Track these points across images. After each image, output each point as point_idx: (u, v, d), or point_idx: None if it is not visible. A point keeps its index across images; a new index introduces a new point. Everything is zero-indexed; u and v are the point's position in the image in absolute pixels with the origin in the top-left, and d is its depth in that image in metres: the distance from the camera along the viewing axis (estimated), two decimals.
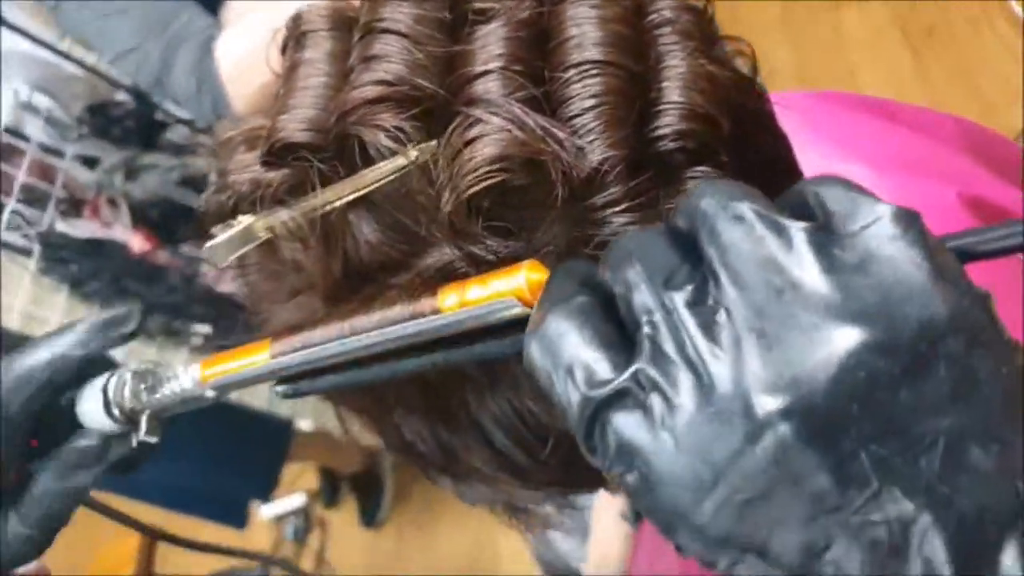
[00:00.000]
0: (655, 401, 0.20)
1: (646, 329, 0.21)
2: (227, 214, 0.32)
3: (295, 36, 0.32)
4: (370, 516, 1.91)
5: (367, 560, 1.93)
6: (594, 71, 0.28)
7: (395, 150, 0.28)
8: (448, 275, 0.29)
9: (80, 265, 1.19)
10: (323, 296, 0.32)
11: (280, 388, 0.32)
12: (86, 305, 1.21)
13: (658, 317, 0.21)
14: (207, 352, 0.38)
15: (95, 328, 0.36)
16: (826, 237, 0.20)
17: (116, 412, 0.36)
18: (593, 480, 0.35)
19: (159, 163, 1.23)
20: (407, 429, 0.34)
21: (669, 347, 0.20)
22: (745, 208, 0.21)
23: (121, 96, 1.33)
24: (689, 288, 0.21)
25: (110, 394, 0.36)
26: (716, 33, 0.31)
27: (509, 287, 0.26)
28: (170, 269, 1.23)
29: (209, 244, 0.31)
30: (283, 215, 0.30)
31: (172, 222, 1.27)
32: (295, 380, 0.32)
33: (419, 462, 0.36)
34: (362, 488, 1.93)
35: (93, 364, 0.37)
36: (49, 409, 0.36)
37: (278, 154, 0.29)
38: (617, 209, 0.27)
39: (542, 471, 0.33)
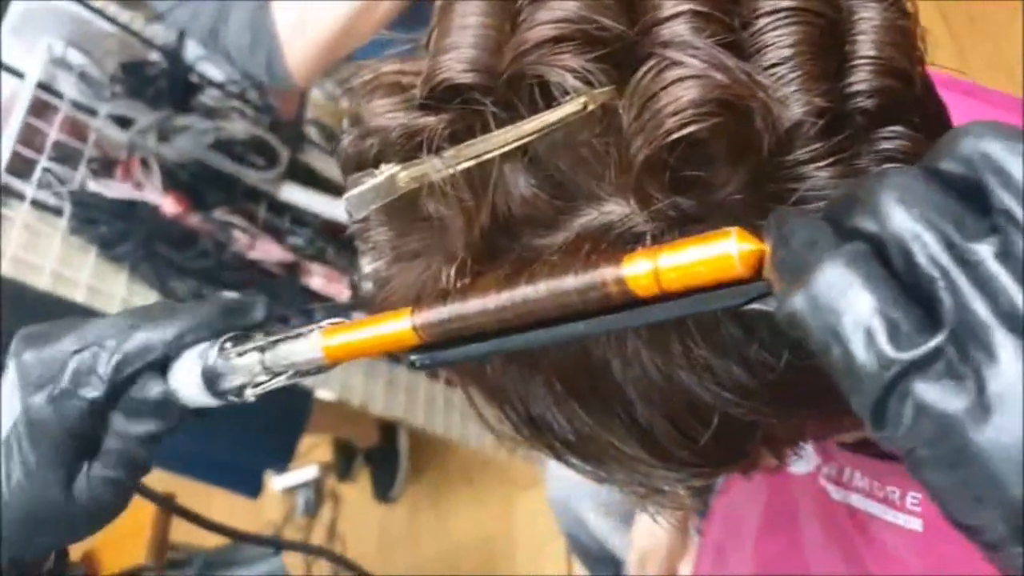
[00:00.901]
0: (972, 370, 0.18)
1: (943, 283, 0.19)
2: (368, 162, 0.30)
3: None
4: (384, 491, 1.90)
5: (379, 535, 1.92)
6: (792, 18, 0.26)
7: (573, 95, 0.26)
8: (606, 236, 0.28)
9: (111, 226, 1.16)
10: (459, 254, 0.30)
11: (416, 356, 0.30)
12: (115, 267, 1.19)
13: (956, 272, 0.19)
14: None
15: (222, 312, 0.36)
16: None
17: (220, 385, 0.35)
18: (737, 460, 0.33)
19: (193, 125, 1.21)
20: (537, 403, 0.33)
21: (979, 306, 0.18)
22: None
23: (154, 56, 1.30)
24: (993, 239, 0.19)
25: (210, 362, 0.35)
26: None
27: (713, 255, 0.24)
28: (202, 233, 1.21)
29: (348, 194, 0.29)
30: (435, 164, 0.28)
31: (204, 186, 1.24)
32: (430, 348, 0.30)
33: (545, 439, 0.34)
34: (377, 462, 1.92)
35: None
36: None
37: (441, 97, 0.27)
38: (820, 164, 0.26)
39: (687, 449, 0.31)
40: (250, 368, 0.34)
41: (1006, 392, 0.18)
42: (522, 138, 0.27)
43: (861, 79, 0.26)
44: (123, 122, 1.21)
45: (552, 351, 0.30)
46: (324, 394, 1.60)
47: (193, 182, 1.24)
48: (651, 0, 0.26)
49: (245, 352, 0.34)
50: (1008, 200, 0.19)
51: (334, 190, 1.41)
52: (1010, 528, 0.18)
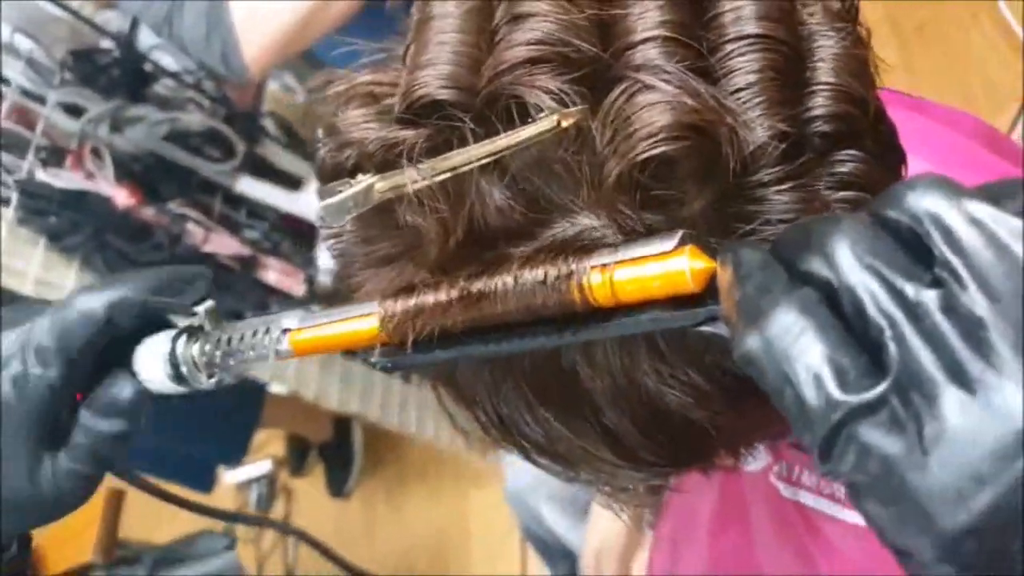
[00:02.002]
0: (912, 415, 0.19)
1: (890, 333, 0.20)
2: (344, 172, 0.30)
3: None
4: (338, 486, 1.89)
5: (333, 530, 1.91)
6: (757, 46, 0.27)
7: (547, 113, 0.27)
8: (576, 246, 0.28)
9: (60, 217, 1.14)
10: (433, 263, 0.31)
11: (377, 360, 0.31)
12: (64, 259, 1.16)
13: (904, 323, 0.20)
14: None
15: (160, 279, 0.36)
16: None
17: (184, 370, 0.35)
18: (697, 460, 0.34)
19: (147, 116, 1.18)
20: (508, 405, 0.33)
21: (924, 357, 0.19)
22: (980, 209, 0.20)
23: (106, 43, 1.28)
24: (937, 292, 0.20)
25: (179, 351, 0.35)
26: (857, 15, 0.30)
27: (667, 271, 0.25)
28: (156, 226, 1.19)
29: (325, 203, 0.29)
30: (411, 176, 0.28)
31: (158, 177, 1.22)
32: (393, 351, 0.31)
33: (514, 440, 0.35)
34: (331, 457, 1.91)
35: (149, 323, 0.37)
36: (105, 364, 0.37)
37: (419, 111, 0.28)
38: (781, 188, 0.27)
39: (650, 450, 0.32)
40: (211, 356, 0.34)
41: (943, 438, 0.19)
42: (498, 152, 0.27)
43: (820, 104, 0.28)
44: (74, 110, 1.18)
45: (522, 357, 0.31)
46: (278, 388, 1.59)
47: (146, 173, 1.22)
48: (623, 24, 0.27)
49: (208, 341, 0.34)
50: (950, 255, 0.20)
51: (291, 183, 1.40)
52: (939, 552, 0.19)
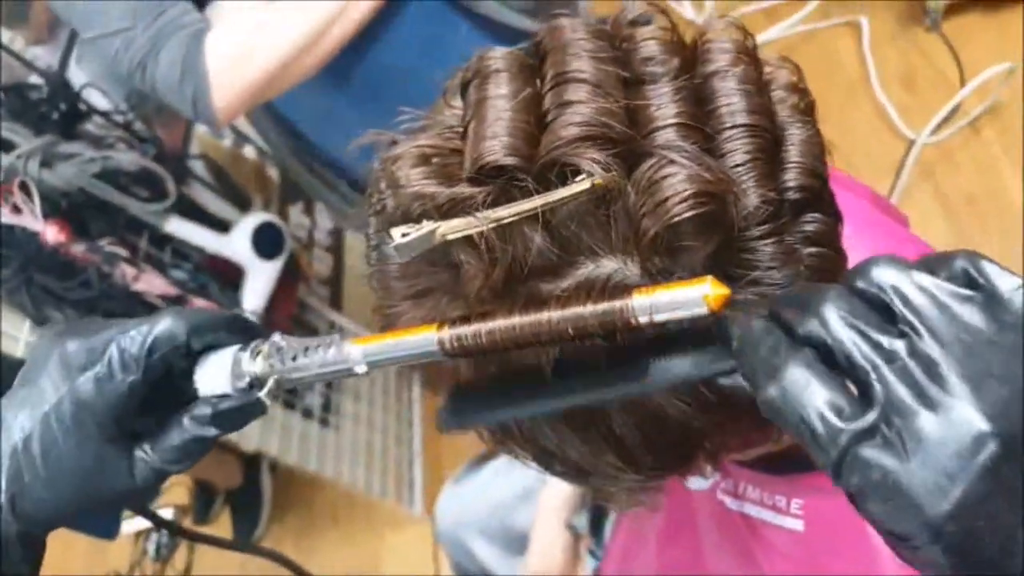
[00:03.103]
0: (896, 433, 0.27)
1: (874, 375, 0.28)
2: (411, 218, 0.35)
3: (481, 73, 0.36)
4: (245, 533, 1.85)
5: None
6: (748, 133, 0.35)
7: (583, 177, 0.33)
8: (608, 283, 0.35)
9: None
10: (472, 296, 0.36)
11: (443, 422, 0.37)
12: None
13: (883, 366, 0.28)
14: None
15: (234, 320, 0.41)
16: (990, 301, 0.28)
17: (246, 381, 0.39)
18: (685, 465, 0.41)
19: (81, 153, 1.18)
20: (527, 419, 0.39)
21: (902, 391, 0.27)
22: (925, 279, 0.28)
23: (34, 79, 1.27)
24: (902, 343, 0.28)
25: (243, 365, 0.39)
26: (813, 110, 0.39)
27: (695, 293, 0.32)
28: (85, 264, 1.18)
29: (396, 243, 0.34)
30: (473, 223, 0.34)
31: (87, 214, 1.22)
32: (460, 411, 0.37)
33: (532, 449, 0.40)
34: (238, 504, 1.88)
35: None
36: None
37: (488, 173, 0.34)
38: (768, 241, 0.35)
39: (651, 455, 0.38)
40: (271, 371, 0.39)
41: (920, 447, 0.26)
42: (541, 206, 0.34)
43: (792, 179, 0.36)
44: (3, 145, 1.17)
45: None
46: None
47: (75, 210, 1.21)
48: (646, 113, 0.35)
49: (272, 356, 0.39)
50: (908, 315, 0.28)
51: (218, 226, 1.41)
52: (929, 535, 0.26)
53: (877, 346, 0.28)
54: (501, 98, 0.35)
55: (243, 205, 1.54)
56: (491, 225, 0.34)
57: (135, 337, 0.39)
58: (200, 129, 1.54)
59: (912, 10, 1.77)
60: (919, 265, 0.29)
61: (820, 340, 0.29)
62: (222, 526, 1.91)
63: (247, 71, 0.83)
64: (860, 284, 0.29)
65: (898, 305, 0.28)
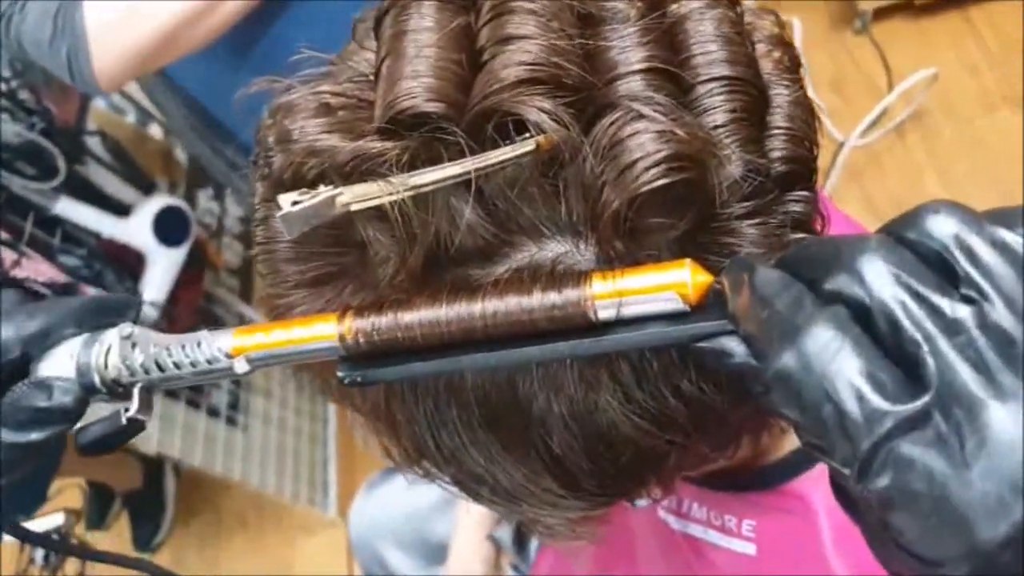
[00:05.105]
0: (954, 429, 0.20)
1: (927, 348, 0.20)
2: (304, 182, 0.28)
3: (400, 2, 0.29)
4: (145, 539, 1.73)
5: None
6: (729, 87, 0.29)
7: (526, 136, 0.27)
8: (553, 269, 0.28)
9: None
10: (385, 283, 0.30)
11: (344, 373, 0.29)
12: None
13: (939, 338, 0.20)
14: None
15: (93, 309, 0.32)
16: None
17: (96, 382, 0.31)
18: (635, 490, 0.35)
19: None
20: (448, 431, 0.32)
21: (966, 374, 0.20)
22: (1001, 233, 0.21)
23: None
24: (969, 310, 0.20)
25: (92, 360, 0.31)
26: (799, 66, 0.33)
27: (669, 281, 0.25)
28: None
29: (284, 212, 0.27)
30: (379, 188, 0.27)
31: None
32: (357, 364, 0.29)
33: (450, 471, 0.34)
34: (138, 507, 1.75)
35: None
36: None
37: (404, 124, 0.27)
38: (752, 221, 0.28)
39: (595, 479, 0.32)
40: (133, 366, 0.31)
41: (984, 450, 0.19)
42: (475, 171, 0.27)
43: (778, 147, 0.30)
44: None
45: (478, 378, 0.30)
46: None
47: None
48: (607, 55, 0.28)
49: (129, 350, 0.31)
50: (978, 276, 0.20)
51: (116, 209, 1.29)
52: (974, 564, 0.19)
53: (935, 311, 0.20)
54: (425, 31, 0.28)
55: (147, 188, 1.43)
56: (408, 193, 0.27)
57: None
58: (99, 104, 1.42)
59: (843, 12, 1.77)
60: (989, 216, 0.21)
61: (855, 299, 0.21)
62: (120, 532, 1.78)
63: (132, 32, 0.73)
64: (911, 234, 0.22)
65: (963, 263, 0.21)
